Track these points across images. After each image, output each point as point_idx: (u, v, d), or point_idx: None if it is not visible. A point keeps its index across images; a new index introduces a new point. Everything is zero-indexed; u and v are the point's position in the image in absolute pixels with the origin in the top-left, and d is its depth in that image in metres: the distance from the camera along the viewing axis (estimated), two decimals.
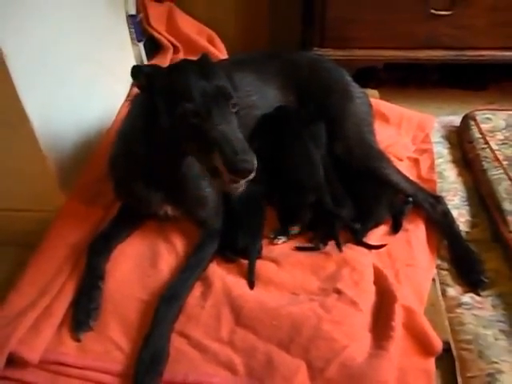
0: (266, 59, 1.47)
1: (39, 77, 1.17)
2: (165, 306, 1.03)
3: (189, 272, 1.11)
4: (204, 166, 0.99)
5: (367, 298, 1.08)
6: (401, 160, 1.52)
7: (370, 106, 1.51)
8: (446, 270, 1.21)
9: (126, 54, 1.75)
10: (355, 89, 1.48)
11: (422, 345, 1.01)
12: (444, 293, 1.15)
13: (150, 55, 1.84)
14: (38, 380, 0.96)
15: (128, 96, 1.43)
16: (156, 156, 1.09)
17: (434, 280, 1.18)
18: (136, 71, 1.02)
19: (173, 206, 1.20)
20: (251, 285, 1.11)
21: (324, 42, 1.80)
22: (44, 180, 1.23)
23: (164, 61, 1.75)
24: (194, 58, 1.09)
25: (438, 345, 1.00)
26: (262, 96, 1.38)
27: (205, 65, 1.04)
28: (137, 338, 1.01)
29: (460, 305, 1.11)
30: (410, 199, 1.30)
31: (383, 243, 1.21)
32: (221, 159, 0.91)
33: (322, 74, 1.46)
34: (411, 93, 2.01)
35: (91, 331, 1.03)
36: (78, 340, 1.01)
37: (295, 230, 1.24)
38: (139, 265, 1.17)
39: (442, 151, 1.62)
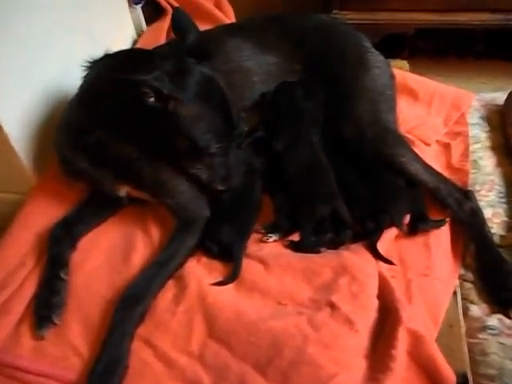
0: (267, 23, 1.31)
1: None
2: (123, 309, 0.91)
3: (155, 269, 0.97)
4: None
5: (366, 315, 0.91)
6: (428, 145, 1.32)
7: (392, 77, 1.29)
8: (471, 282, 1.03)
9: (122, 19, 1.59)
10: (374, 56, 1.27)
11: (429, 377, 0.85)
12: (466, 312, 0.98)
13: (149, 20, 1.68)
14: None
15: None
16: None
17: (454, 294, 1.01)
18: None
19: (131, 187, 1.07)
20: (223, 284, 0.97)
21: (344, 4, 1.61)
22: (6, 157, 1.12)
23: (162, 26, 1.59)
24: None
25: (451, 378, 0.84)
26: (259, 63, 1.23)
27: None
28: (98, 344, 0.89)
29: (484, 328, 0.95)
30: (447, 219, 1.10)
31: (393, 262, 1.02)
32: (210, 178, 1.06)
33: (333, 38, 1.27)
34: (450, 65, 1.81)
35: (52, 330, 0.93)
36: (40, 338, 0.92)
37: (274, 237, 1.07)
38: (110, 258, 1.05)
39: (479, 135, 1.39)
